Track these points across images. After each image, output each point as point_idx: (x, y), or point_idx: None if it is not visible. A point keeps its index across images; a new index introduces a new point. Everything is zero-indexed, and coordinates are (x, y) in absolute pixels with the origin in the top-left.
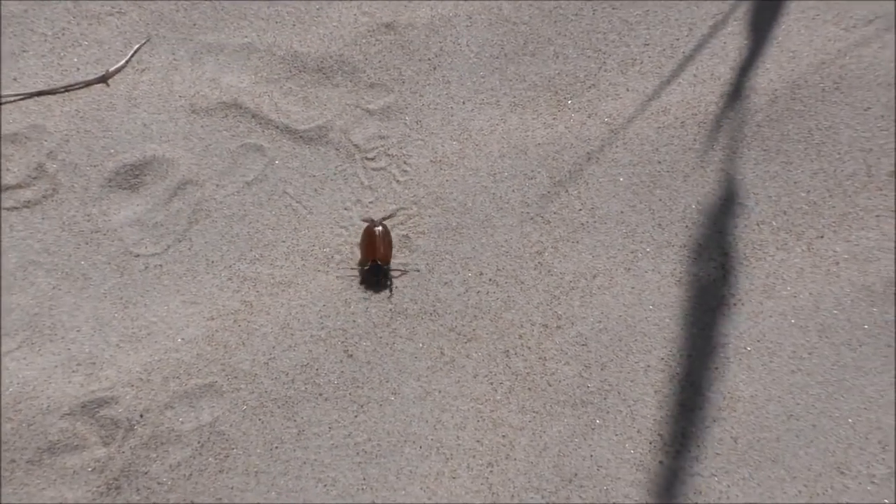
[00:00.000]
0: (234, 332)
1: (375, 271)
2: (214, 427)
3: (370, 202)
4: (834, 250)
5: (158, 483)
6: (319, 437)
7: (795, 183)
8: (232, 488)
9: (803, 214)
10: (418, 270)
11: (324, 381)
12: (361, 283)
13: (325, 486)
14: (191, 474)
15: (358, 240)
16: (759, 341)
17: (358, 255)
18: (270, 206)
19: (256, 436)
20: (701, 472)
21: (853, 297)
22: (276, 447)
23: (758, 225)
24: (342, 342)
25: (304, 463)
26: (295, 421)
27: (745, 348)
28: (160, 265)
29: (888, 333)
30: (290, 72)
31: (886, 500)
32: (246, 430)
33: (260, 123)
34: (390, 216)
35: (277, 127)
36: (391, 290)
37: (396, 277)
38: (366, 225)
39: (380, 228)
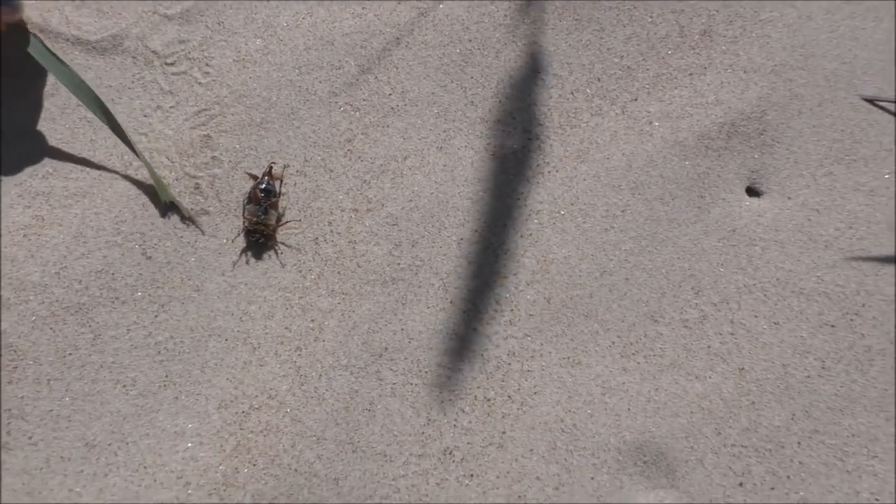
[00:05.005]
0: (22, 246)
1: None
2: (1, 340)
3: (171, 107)
4: (648, 111)
5: None
6: (117, 339)
7: (609, 49)
8: (22, 398)
9: (617, 79)
10: (299, 220)
11: (120, 284)
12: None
13: (125, 386)
14: None
15: (157, 145)
16: (572, 204)
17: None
18: (63, 121)
19: (48, 344)
20: (514, 333)
21: (665, 154)
22: (70, 354)
23: (572, 94)
24: (140, 245)
25: (101, 366)
26: (90, 327)
27: (559, 212)
28: None
29: (700, 185)
30: None
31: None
32: (36, 339)
33: (49, 38)
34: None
35: (68, 40)
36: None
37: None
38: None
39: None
